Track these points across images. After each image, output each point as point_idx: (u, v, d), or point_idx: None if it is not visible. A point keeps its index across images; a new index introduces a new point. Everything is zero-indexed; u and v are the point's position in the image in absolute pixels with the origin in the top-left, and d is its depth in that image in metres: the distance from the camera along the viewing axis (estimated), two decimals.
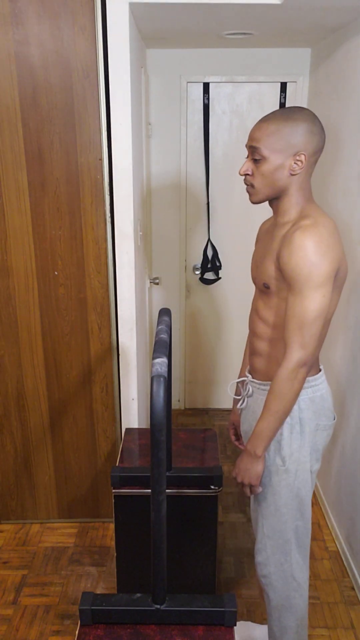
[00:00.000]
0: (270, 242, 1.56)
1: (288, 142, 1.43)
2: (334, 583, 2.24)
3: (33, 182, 2.11)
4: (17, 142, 2.06)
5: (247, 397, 1.72)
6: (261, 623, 2.03)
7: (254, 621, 2.06)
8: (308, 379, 1.56)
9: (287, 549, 1.65)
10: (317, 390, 1.59)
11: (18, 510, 2.58)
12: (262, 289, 1.59)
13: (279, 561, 1.66)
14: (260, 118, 1.51)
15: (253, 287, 1.67)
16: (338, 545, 2.43)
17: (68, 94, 2.01)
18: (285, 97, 3.04)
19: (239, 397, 1.79)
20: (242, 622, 2.03)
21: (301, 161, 1.45)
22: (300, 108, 1.48)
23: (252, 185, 1.52)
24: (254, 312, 1.67)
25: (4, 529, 2.56)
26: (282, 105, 3.06)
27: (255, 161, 1.48)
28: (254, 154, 1.48)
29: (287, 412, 1.51)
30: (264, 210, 3.22)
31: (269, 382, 1.60)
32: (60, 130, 2.05)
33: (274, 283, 1.53)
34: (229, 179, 3.19)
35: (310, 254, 1.39)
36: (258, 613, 2.10)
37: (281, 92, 3.04)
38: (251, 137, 1.49)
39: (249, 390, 1.71)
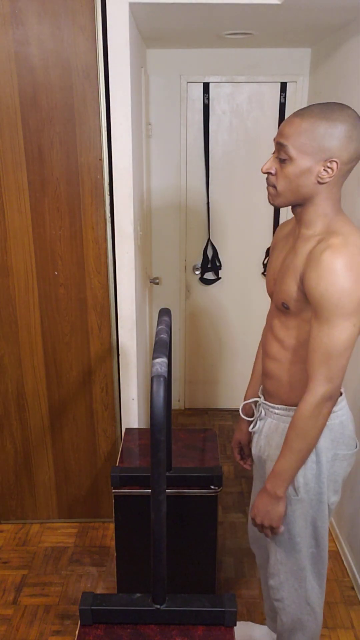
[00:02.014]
0: (291, 256, 1.40)
1: (321, 145, 1.26)
2: (334, 583, 2.24)
3: (33, 182, 2.11)
4: (17, 142, 2.06)
5: (259, 420, 1.61)
6: (261, 623, 2.03)
7: (254, 621, 2.06)
8: None
9: (302, 576, 1.56)
10: (336, 417, 1.46)
11: (18, 510, 2.58)
12: (280, 308, 1.44)
13: (293, 587, 1.58)
14: (294, 112, 1.33)
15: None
16: (338, 545, 2.43)
17: (68, 94, 2.01)
18: (285, 97, 3.04)
19: (251, 419, 1.68)
20: (242, 622, 2.03)
21: (332, 169, 1.27)
22: (341, 106, 1.28)
23: (274, 187, 1.35)
24: (269, 330, 1.52)
25: (4, 529, 2.56)
26: (282, 105, 3.06)
27: (281, 160, 1.32)
28: (280, 152, 1.31)
29: (310, 450, 1.39)
30: (264, 211, 3.23)
31: (282, 406, 1.52)
32: (60, 130, 2.05)
33: (294, 304, 1.38)
34: (229, 179, 3.19)
35: (341, 280, 1.24)
36: (258, 613, 2.10)
37: (281, 92, 3.04)
38: (280, 132, 1.31)
39: (261, 413, 1.60)
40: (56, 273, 2.23)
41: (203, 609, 1.28)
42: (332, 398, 1.34)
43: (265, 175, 1.38)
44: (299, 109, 1.33)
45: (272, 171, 1.34)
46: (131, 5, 1.96)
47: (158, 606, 1.28)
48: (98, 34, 1.95)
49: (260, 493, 1.47)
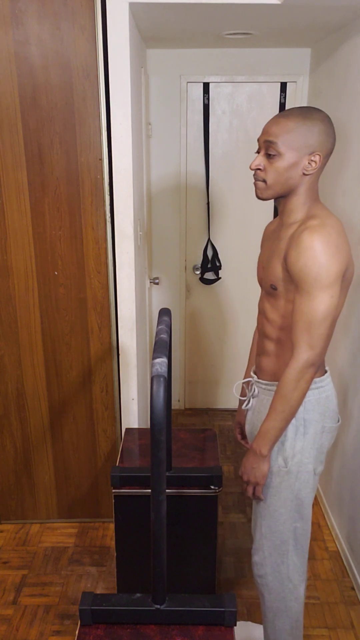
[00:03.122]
0: (276, 243, 1.55)
1: (305, 141, 1.43)
2: (334, 583, 2.24)
3: (33, 182, 2.11)
4: (17, 142, 2.06)
5: (252, 398, 1.71)
6: (261, 623, 2.03)
7: (254, 621, 2.06)
8: (315, 380, 1.55)
9: (284, 550, 1.64)
10: (323, 392, 1.58)
11: (18, 510, 2.58)
12: (269, 291, 1.57)
13: (276, 562, 1.65)
14: (276, 115, 1.49)
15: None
16: (338, 545, 2.43)
17: (68, 94, 2.01)
18: (285, 97, 3.04)
19: (244, 398, 1.78)
20: (242, 622, 2.03)
21: (315, 162, 1.45)
22: (316, 109, 1.47)
23: (263, 181, 1.49)
24: (261, 314, 1.66)
25: (4, 529, 2.56)
26: (282, 105, 3.06)
27: (269, 157, 1.46)
28: (269, 149, 1.45)
29: (293, 413, 1.51)
30: (264, 211, 3.23)
31: (275, 383, 1.60)
32: (60, 130, 2.05)
33: (281, 284, 1.51)
34: (229, 179, 3.19)
35: (318, 255, 1.39)
36: (258, 613, 2.10)
37: (281, 92, 3.04)
38: (267, 132, 1.46)
39: (254, 391, 1.70)
40: (56, 273, 2.23)
41: (203, 609, 1.28)
42: (314, 365, 1.47)
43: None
44: (280, 112, 1.50)
45: (261, 167, 1.49)
46: (131, 5, 1.96)
47: (158, 606, 1.28)
48: (98, 34, 1.95)
49: (247, 453, 1.60)
